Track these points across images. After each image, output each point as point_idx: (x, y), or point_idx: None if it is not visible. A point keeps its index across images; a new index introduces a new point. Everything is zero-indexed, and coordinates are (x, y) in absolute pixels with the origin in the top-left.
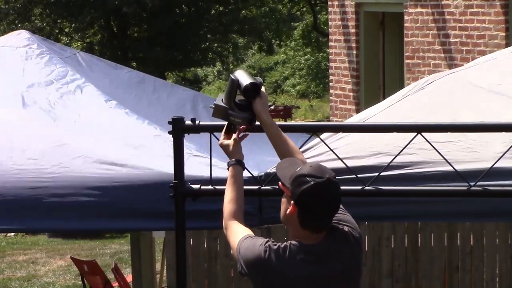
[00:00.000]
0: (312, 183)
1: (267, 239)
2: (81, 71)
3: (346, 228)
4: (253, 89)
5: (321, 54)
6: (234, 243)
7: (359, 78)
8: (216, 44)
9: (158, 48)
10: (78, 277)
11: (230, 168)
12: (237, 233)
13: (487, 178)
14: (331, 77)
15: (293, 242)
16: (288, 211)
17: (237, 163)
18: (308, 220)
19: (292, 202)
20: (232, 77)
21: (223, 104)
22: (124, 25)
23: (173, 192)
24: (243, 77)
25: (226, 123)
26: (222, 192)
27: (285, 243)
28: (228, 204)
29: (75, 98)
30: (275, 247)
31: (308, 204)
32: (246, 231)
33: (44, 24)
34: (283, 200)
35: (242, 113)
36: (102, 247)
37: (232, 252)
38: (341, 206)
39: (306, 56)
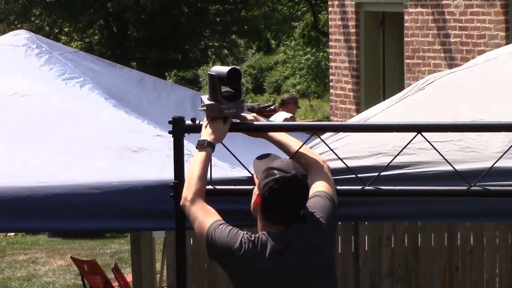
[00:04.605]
0: (276, 176)
1: (242, 230)
2: (81, 70)
3: (313, 214)
4: (235, 71)
5: (321, 53)
6: (203, 222)
7: (359, 78)
8: (216, 44)
9: (158, 49)
10: (78, 277)
11: (207, 148)
12: (208, 214)
13: (487, 178)
14: (331, 77)
15: (263, 233)
16: (253, 202)
17: (211, 146)
18: (269, 212)
19: (257, 193)
20: (211, 73)
21: (213, 102)
22: (124, 25)
23: (173, 192)
24: (220, 69)
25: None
26: (222, 192)
27: (258, 234)
28: (198, 180)
29: (75, 96)
30: (252, 238)
31: (269, 196)
32: (216, 215)
33: (44, 24)
34: (254, 191)
35: (233, 102)
36: (102, 247)
37: (197, 227)
38: (320, 189)
39: (306, 56)
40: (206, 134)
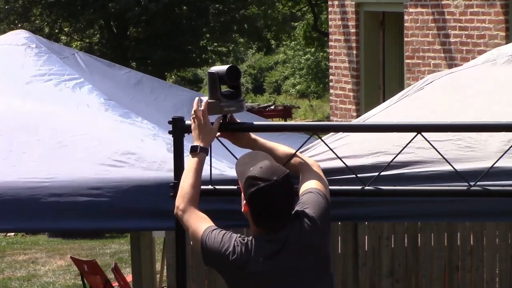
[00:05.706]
0: (258, 186)
1: (235, 234)
2: (80, 71)
3: (307, 211)
4: (235, 69)
5: (321, 53)
6: (197, 230)
7: (359, 78)
8: (215, 44)
9: (158, 49)
10: (78, 277)
11: (200, 154)
12: (200, 221)
13: (487, 178)
14: (331, 77)
15: (256, 235)
16: (242, 209)
17: (204, 151)
18: (259, 219)
19: (244, 201)
20: (211, 72)
21: (213, 100)
22: (124, 25)
23: (173, 192)
24: (220, 68)
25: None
26: (222, 192)
27: (250, 237)
28: (190, 188)
29: (74, 97)
30: (244, 241)
31: (256, 206)
32: (209, 221)
33: (44, 24)
34: (242, 197)
35: (232, 101)
36: (102, 247)
37: (191, 235)
38: (313, 186)
39: (306, 56)
40: (196, 138)
